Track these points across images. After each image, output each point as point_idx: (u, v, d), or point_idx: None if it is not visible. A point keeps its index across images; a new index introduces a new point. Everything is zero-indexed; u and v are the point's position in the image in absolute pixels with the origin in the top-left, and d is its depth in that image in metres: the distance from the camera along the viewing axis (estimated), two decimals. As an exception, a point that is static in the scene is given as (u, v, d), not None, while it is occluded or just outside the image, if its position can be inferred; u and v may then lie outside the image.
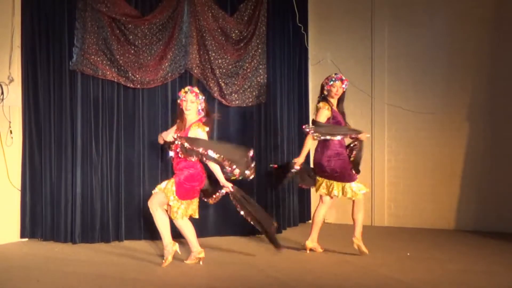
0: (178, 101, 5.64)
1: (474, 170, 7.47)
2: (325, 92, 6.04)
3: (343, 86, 6.01)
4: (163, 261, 5.51)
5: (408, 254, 6.00)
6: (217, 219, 7.11)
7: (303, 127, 6.06)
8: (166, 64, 6.76)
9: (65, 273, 5.29)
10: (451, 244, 6.65)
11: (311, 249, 6.11)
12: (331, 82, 5.99)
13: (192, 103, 5.57)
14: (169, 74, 6.77)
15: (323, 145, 6.01)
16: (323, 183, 6.07)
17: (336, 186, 5.99)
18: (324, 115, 5.96)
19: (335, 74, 6.09)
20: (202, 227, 6.98)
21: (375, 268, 5.37)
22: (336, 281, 4.99)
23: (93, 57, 6.54)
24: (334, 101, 6.04)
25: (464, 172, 7.54)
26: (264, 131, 7.38)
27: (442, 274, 5.16)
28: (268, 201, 7.33)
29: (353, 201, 6.02)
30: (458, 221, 7.54)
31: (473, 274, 5.17)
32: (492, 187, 7.34)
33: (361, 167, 6.13)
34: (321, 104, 6.00)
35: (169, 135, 5.71)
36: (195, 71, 6.86)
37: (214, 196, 5.75)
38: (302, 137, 8.18)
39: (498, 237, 6.83)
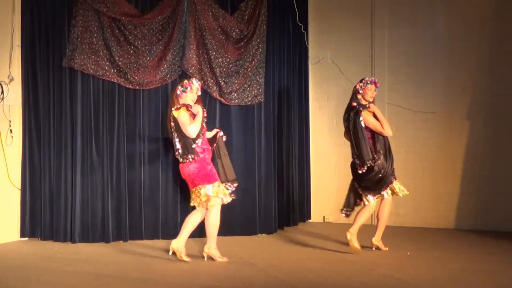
0: (195, 93, 5.65)
1: (474, 169, 7.47)
2: (359, 96, 6.00)
3: (376, 90, 6.04)
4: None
5: (408, 253, 6.00)
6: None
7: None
8: (165, 65, 6.74)
9: (65, 272, 5.29)
10: (451, 243, 6.65)
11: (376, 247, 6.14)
12: (367, 85, 5.97)
13: None
14: (168, 75, 6.77)
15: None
16: None
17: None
18: (372, 119, 5.95)
19: (369, 78, 6.08)
20: (202, 227, 6.97)
21: (375, 267, 5.37)
22: (336, 280, 4.98)
23: (93, 56, 6.54)
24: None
25: (464, 171, 7.54)
26: (264, 130, 7.37)
27: (443, 273, 5.16)
28: (269, 200, 7.33)
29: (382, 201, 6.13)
30: (458, 220, 7.54)
31: (473, 273, 5.17)
32: (492, 186, 7.34)
33: None
34: (366, 111, 5.92)
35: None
36: (191, 71, 6.81)
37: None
38: (302, 136, 8.26)
39: (498, 236, 6.83)
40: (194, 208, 5.68)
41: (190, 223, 5.67)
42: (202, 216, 5.66)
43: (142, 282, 4.95)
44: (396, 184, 6.11)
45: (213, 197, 5.50)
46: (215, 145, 5.83)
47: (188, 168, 5.54)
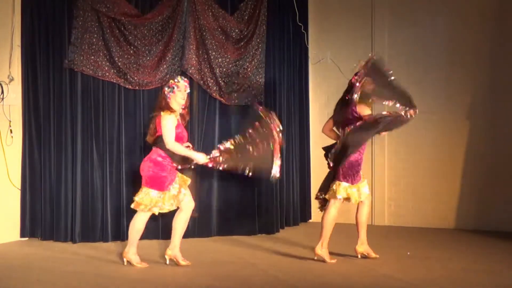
0: (183, 91, 5.41)
1: (474, 169, 7.46)
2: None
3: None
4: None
5: (408, 253, 6.00)
6: (217, 219, 7.10)
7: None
8: (164, 66, 6.74)
9: (65, 272, 5.29)
10: (451, 243, 6.65)
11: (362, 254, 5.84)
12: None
13: None
14: (167, 75, 6.75)
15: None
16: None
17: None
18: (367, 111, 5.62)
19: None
20: (202, 227, 6.99)
21: (375, 267, 5.37)
22: (336, 280, 4.98)
23: (92, 57, 6.55)
24: None
25: (464, 171, 7.53)
26: (264, 130, 7.36)
27: (442, 273, 5.16)
28: (269, 200, 7.32)
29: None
30: (458, 220, 7.54)
31: (473, 273, 5.17)
32: (492, 186, 7.34)
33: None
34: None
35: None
36: (190, 71, 6.79)
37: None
38: (302, 136, 8.25)
39: (498, 236, 6.83)
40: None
41: (179, 225, 5.51)
42: (188, 214, 5.51)
43: (141, 282, 4.95)
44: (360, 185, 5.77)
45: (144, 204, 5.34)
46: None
47: (145, 163, 5.36)
